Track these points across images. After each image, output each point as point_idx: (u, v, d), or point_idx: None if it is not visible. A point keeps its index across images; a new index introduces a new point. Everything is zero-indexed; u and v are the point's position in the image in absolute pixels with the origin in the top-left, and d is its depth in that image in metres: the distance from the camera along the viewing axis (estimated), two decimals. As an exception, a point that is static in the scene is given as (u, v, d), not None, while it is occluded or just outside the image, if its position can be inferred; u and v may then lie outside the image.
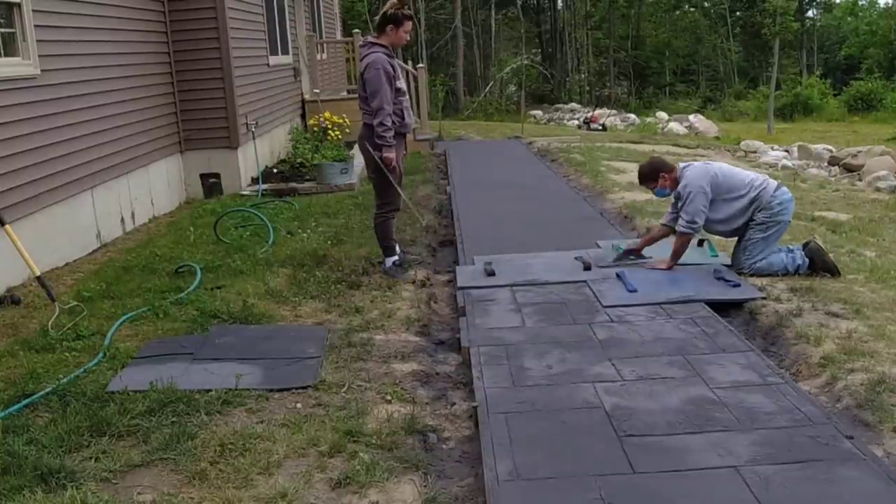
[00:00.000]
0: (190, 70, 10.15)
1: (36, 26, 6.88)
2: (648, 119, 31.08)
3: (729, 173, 6.16)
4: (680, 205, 6.09)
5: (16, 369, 4.51)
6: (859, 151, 16.76)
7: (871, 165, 15.38)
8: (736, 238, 6.23)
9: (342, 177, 10.69)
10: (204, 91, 10.20)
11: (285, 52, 13.75)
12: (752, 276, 5.92)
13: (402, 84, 6.29)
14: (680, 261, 6.18)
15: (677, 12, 50.44)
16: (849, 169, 16.12)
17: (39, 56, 6.90)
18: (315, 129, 12.64)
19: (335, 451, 3.53)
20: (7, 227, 5.87)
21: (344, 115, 12.90)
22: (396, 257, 6.51)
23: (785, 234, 6.27)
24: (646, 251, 6.43)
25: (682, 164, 6.30)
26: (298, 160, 11.55)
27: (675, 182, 6.14)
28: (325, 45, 17.39)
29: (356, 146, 6.63)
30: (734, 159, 16.31)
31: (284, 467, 3.41)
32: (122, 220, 8.53)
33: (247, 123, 10.78)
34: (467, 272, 6.41)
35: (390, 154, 6.16)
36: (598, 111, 30.86)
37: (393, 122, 6.14)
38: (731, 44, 48.15)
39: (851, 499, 3.04)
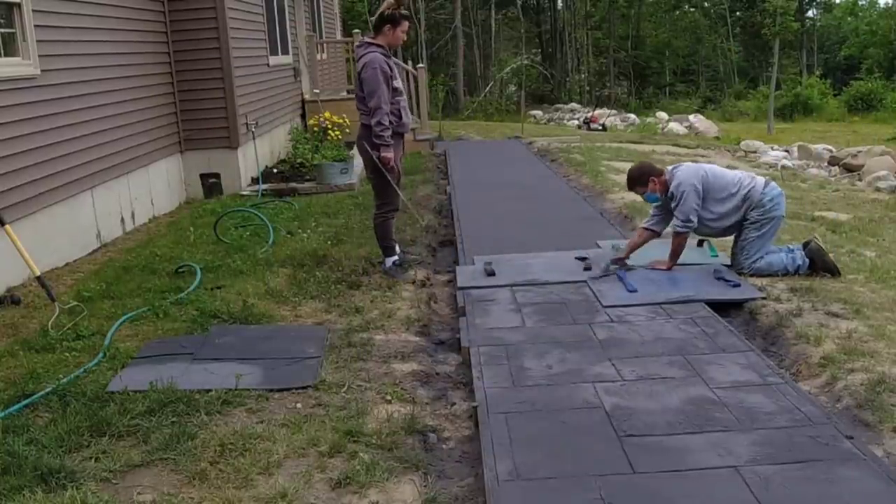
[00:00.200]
0: (190, 70, 10.15)
1: (36, 26, 6.88)
2: (648, 119, 31.08)
3: (718, 173, 6.20)
4: (674, 205, 6.10)
5: (16, 369, 4.51)
6: (859, 151, 16.76)
7: (871, 165, 15.38)
8: (730, 237, 6.26)
9: (342, 177, 10.69)
10: (204, 91, 10.20)
11: (285, 52, 13.75)
12: (752, 276, 5.92)
13: (399, 84, 6.30)
14: (680, 261, 6.19)
15: (677, 12, 50.45)
16: (849, 169, 16.12)
17: (39, 56, 6.90)
18: (315, 129, 12.65)
19: (335, 451, 3.53)
20: (7, 227, 5.87)
21: (344, 115, 12.89)
22: (396, 257, 6.51)
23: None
24: (640, 254, 6.37)
25: (670, 167, 6.33)
26: (298, 160, 11.55)
27: (665, 185, 6.16)
28: (325, 45, 17.39)
29: (356, 146, 6.63)
30: (734, 159, 16.31)
31: (284, 467, 3.41)
32: (122, 220, 8.53)
33: (247, 123, 10.78)
34: (467, 272, 6.41)
35: (388, 154, 6.16)
36: (598, 111, 30.86)
37: (390, 122, 6.14)
38: (731, 44, 48.15)
39: (851, 499, 3.04)
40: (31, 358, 4.68)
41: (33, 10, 6.86)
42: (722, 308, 5.36)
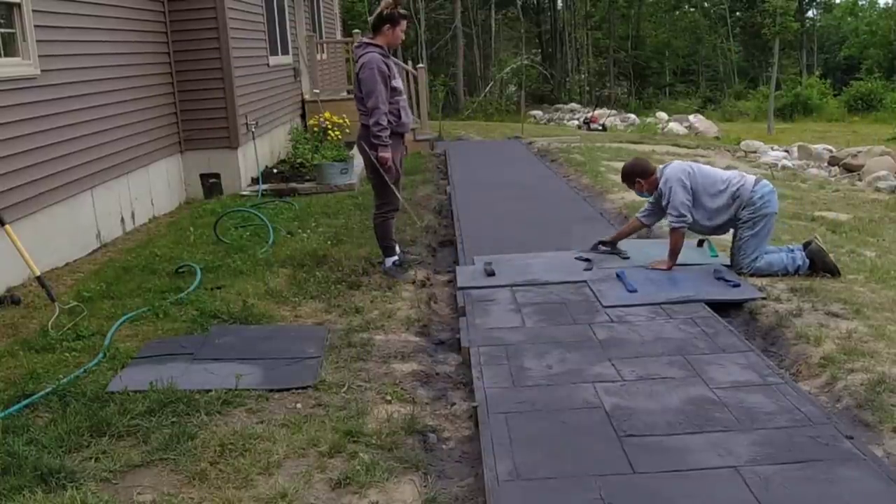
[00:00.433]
0: (190, 70, 10.15)
1: (36, 26, 6.87)
2: (648, 119, 31.08)
3: (706, 171, 6.27)
4: (664, 202, 6.13)
5: (16, 369, 4.51)
6: (859, 151, 16.76)
7: (871, 165, 15.37)
8: (722, 235, 6.34)
9: (342, 177, 10.69)
10: (204, 91, 10.20)
11: (285, 52, 13.75)
12: (751, 276, 5.92)
13: (398, 83, 6.29)
14: (680, 261, 6.19)
15: (677, 12, 50.45)
16: (849, 169, 16.12)
17: (39, 56, 6.90)
18: (315, 129, 12.64)
19: (335, 451, 3.53)
20: (7, 227, 5.87)
21: (344, 116, 12.89)
22: (396, 257, 6.51)
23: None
24: (641, 255, 6.50)
25: (660, 167, 6.36)
26: (298, 160, 11.55)
27: (655, 185, 6.21)
28: (324, 45, 17.39)
29: (355, 146, 6.63)
30: (734, 159, 16.32)
31: (284, 467, 3.41)
32: (122, 220, 8.53)
33: (247, 123, 10.78)
34: (467, 272, 6.41)
35: (386, 154, 6.15)
36: (598, 111, 30.87)
37: (389, 122, 6.14)
38: (731, 44, 48.15)
39: (851, 499, 3.04)
40: (31, 358, 4.68)
41: (33, 10, 6.86)
42: (722, 308, 5.36)
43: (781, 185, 10.65)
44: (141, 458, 3.49)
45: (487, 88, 39.42)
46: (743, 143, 21.07)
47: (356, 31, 17.14)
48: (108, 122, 8.23)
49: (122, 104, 8.55)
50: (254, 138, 11.06)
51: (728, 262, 6.20)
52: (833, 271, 5.88)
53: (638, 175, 6.34)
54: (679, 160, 6.72)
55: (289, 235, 7.82)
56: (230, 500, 3.15)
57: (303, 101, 14.96)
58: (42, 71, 6.94)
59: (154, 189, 9.43)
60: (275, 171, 11.56)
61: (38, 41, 6.89)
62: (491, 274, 6.25)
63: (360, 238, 7.49)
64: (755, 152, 19.16)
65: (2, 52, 6.59)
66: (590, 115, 28.21)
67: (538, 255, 6.80)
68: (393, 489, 3.26)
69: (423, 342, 5.08)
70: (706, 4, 50.30)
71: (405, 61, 18.98)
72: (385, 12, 6.12)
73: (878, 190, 13.17)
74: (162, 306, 5.57)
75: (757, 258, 5.96)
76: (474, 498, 3.30)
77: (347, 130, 12.53)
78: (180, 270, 6.56)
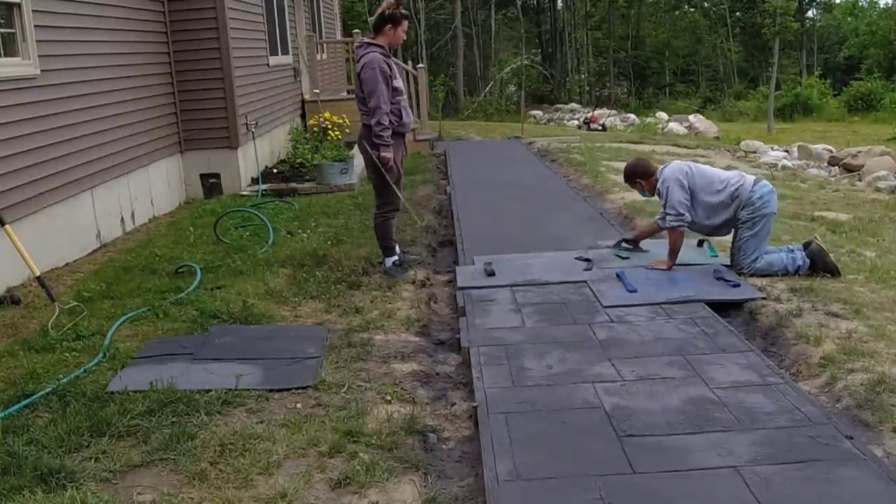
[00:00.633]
0: (190, 70, 10.15)
1: (36, 26, 6.88)
2: (648, 119, 31.08)
3: (704, 170, 6.27)
4: (662, 202, 6.14)
5: (16, 369, 4.51)
6: (859, 151, 16.75)
7: (871, 165, 15.37)
8: (722, 236, 6.33)
9: (342, 177, 10.69)
10: (204, 91, 10.20)
11: (285, 52, 13.75)
12: (751, 276, 5.92)
13: (399, 83, 6.29)
14: (680, 261, 6.19)
15: (677, 12, 50.45)
16: (849, 169, 16.11)
17: (39, 56, 6.90)
18: (315, 129, 12.64)
19: (335, 451, 3.53)
20: (7, 227, 5.87)
21: (344, 116, 12.90)
22: (396, 257, 6.51)
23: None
24: (640, 254, 6.53)
25: (661, 167, 6.37)
26: (298, 160, 11.55)
27: (654, 186, 6.22)
28: (324, 45, 17.39)
29: (356, 146, 6.63)
30: (734, 159, 16.32)
31: (284, 467, 3.41)
32: (122, 220, 8.53)
33: (247, 123, 10.78)
34: (467, 272, 6.41)
35: (387, 153, 6.16)
36: (597, 111, 30.88)
37: (390, 122, 6.14)
38: (730, 44, 48.15)
39: (851, 499, 3.04)
40: (31, 358, 4.68)
41: (33, 11, 6.86)
42: (722, 308, 5.36)
43: (781, 185, 10.65)
44: (141, 458, 3.49)
45: (487, 88, 39.42)
46: (743, 143, 21.07)
47: (356, 31, 17.13)
48: (108, 122, 8.23)
49: (122, 104, 8.55)
50: (254, 138, 11.06)
51: (728, 262, 6.20)
52: (833, 271, 5.88)
53: (638, 176, 6.36)
54: (679, 160, 6.73)
55: (289, 235, 7.82)
56: (230, 500, 3.15)
57: (303, 101, 14.96)
58: (42, 71, 6.94)
59: (154, 189, 9.43)
60: (275, 171, 11.56)
61: (38, 41, 6.89)
62: (491, 274, 6.25)
63: (360, 238, 7.49)
64: (755, 152, 19.16)
65: (2, 52, 6.60)
66: (590, 115, 28.22)
67: (538, 255, 6.80)
68: (393, 489, 3.26)
69: (423, 342, 5.08)
70: (706, 4, 50.31)
71: (405, 61, 18.98)
72: (387, 12, 6.13)
73: (877, 190, 13.17)
74: (162, 306, 5.57)
75: (757, 258, 5.96)
76: (474, 498, 3.30)
77: (347, 130, 12.54)
78: (180, 270, 6.56)
